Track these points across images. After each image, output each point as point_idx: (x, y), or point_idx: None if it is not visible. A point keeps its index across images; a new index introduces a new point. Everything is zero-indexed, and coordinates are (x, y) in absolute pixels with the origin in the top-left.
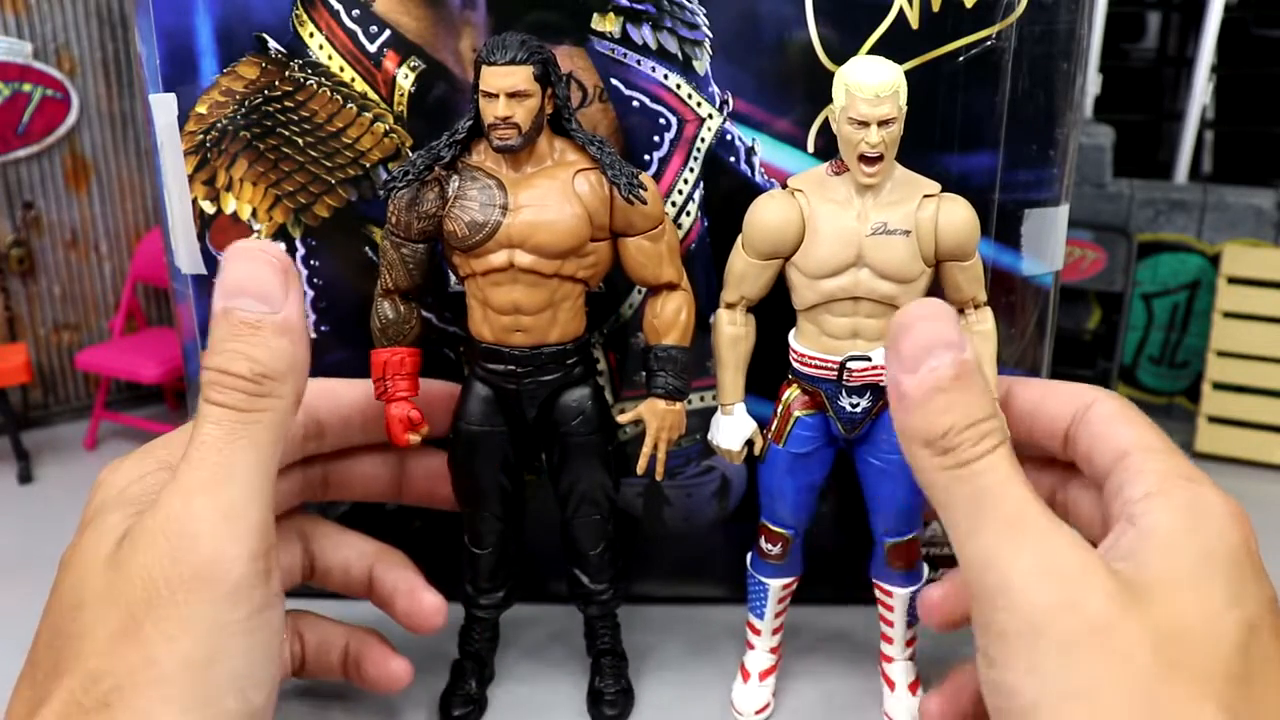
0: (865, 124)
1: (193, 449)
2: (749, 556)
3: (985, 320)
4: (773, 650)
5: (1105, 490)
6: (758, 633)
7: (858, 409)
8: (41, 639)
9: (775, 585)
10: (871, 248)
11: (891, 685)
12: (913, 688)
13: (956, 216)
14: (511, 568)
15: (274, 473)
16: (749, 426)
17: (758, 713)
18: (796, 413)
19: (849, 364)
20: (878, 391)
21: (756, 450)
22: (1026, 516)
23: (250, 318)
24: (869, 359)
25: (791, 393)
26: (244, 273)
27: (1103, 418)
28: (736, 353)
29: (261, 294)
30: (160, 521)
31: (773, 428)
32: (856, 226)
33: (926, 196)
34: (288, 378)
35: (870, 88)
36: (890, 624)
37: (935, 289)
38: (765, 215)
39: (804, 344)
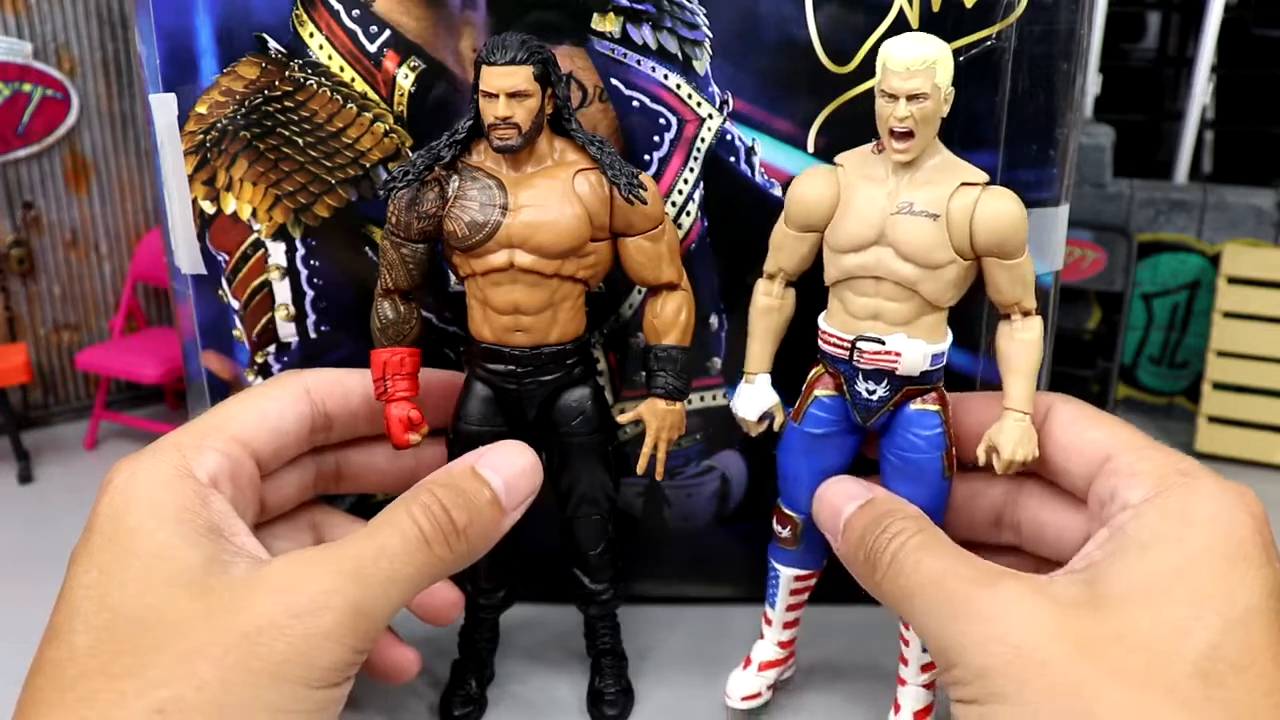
0: (895, 98)
1: (368, 541)
2: (770, 543)
3: (1030, 329)
4: (782, 645)
5: (1091, 496)
6: (769, 623)
7: (874, 396)
8: (78, 639)
9: (787, 574)
10: (894, 226)
11: (897, 709)
12: (919, 715)
13: (996, 209)
14: (511, 568)
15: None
16: (769, 399)
17: (744, 699)
18: (816, 392)
19: (859, 344)
20: (896, 381)
21: (776, 426)
22: (949, 584)
23: (491, 496)
24: (882, 342)
25: (816, 372)
26: (517, 465)
27: (1065, 424)
28: (767, 322)
29: (513, 490)
30: (291, 586)
31: (795, 407)
32: (884, 205)
33: (966, 185)
34: (473, 556)
35: (902, 61)
36: (906, 641)
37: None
38: (801, 187)
39: (828, 322)
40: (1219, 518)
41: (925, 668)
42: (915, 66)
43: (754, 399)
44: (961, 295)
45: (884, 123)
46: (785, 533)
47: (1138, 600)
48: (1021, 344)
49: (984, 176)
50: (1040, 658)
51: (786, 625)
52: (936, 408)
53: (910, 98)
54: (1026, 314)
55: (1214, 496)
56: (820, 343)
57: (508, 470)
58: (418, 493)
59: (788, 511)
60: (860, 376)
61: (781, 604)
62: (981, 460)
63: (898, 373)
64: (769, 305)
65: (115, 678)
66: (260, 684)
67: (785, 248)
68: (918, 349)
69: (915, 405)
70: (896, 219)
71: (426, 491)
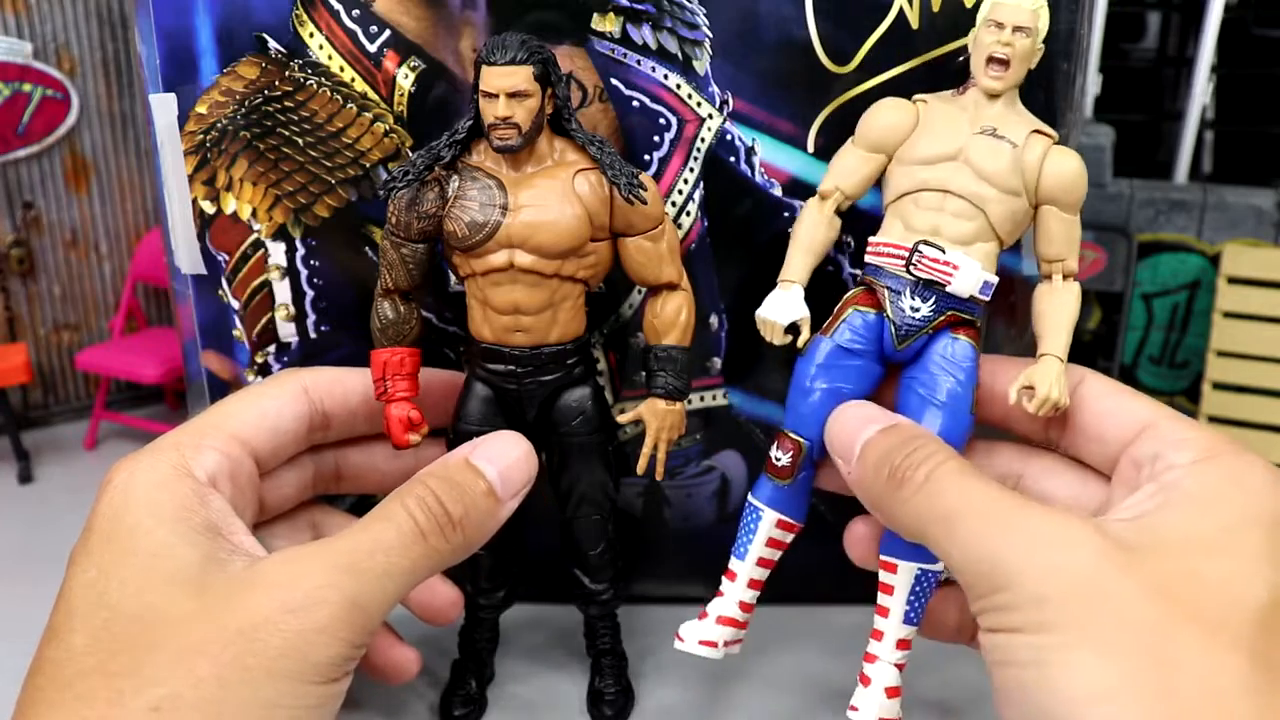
0: (1003, 26)
1: (364, 534)
2: (758, 479)
3: (1070, 290)
4: (743, 606)
5: (1126, 459)
6: (733, 577)
7: (917, 314)
8: (76, 639)
9: (770, 517)
10: (975, 146)
11: (866, 681)
12: (890, 693)
13: (1064, 162)
14: (511, 568)
15: (402, 596)
16: (800, 310)
17: (701, 644)
18: (855, 306)
19: (920, 247)
20: (942, 302)
21: (801, 342)
22: (999, 505)
23: (486, 487)
24: (942, 250)
25: (855, 291)
26: (510, 454)
27: (1100, 394)
28: (811, 236)
29: (508, 480)
30: (284, 582)
31: (826, 323)
32: (966, 128)
33: (1037, 132)
34: (469, 548)
35: (1015, 2)
36: (885, 612)
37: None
38: (881, 110)
39: (883, 236)
40: (1265, 489)
41: (900, 644)
42: (1027, 6)
43: (785, 303)
44: (1016, 237)
45: (983, 50)
46: (785, 459)
47: (1196, 549)
48: (1062, 301)
49: (1054, 134)
50: (1109, 590)
51: (752, 583)
52: (971, 341)
53: (1016, 29)
54: (1067, 277)
55: (1263, 470)
56: (870, 256)
57: (502, 460)
58: (412, 486)
59: (792, 434)
60: (908, 291)
61: (753, 555)
62: (1013, 399)
63: (949, 289)
64: (815, 221)
65: (112, 676)
66: (257, 680)
67: (848, 167)
68: (974, 269)
69: (952, 333)
70: (978, 139)
71: (421, 484)
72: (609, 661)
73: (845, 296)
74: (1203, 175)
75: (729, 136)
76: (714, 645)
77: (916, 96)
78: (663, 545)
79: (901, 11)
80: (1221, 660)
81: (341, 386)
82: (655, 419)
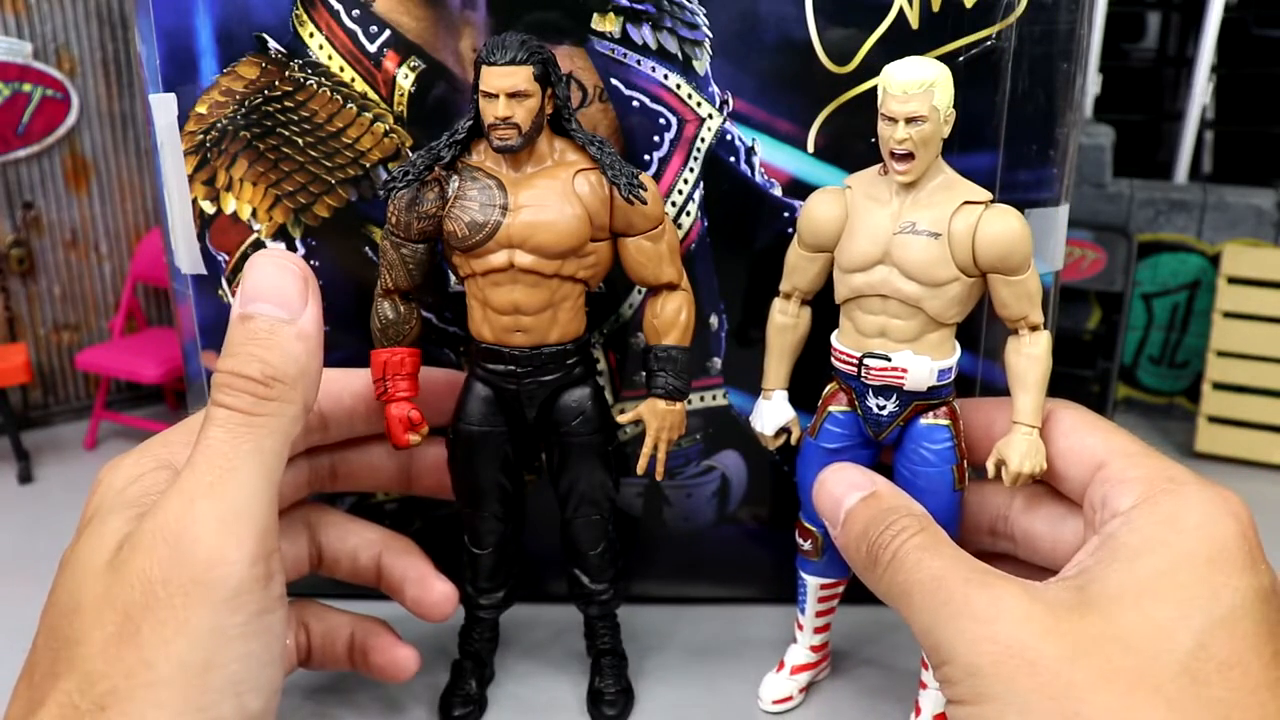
0: (895, 120)
1: (198, 452)
2: (797, 557)
3: (1037, 344)
4: (813, 649)
5: (1086, 503)
6: (800, 628)
7: (884, 411)
8: (39, 640)
9: (813, 583)
10: (897, 246)
11: (918, 711)
12: (939, 719)
13: (997, 227)
14: (511, 568)
15: (278, 477)
16: (786, 414)
17: (775, 702)
18: (831, 408)
19: (866, 360)
20: (905, 397)
21: (794, 441)
22: (942, 583)
23: (266, 323)
24: (888, 359)
25: (830, 388)
26: (265, 279)
27: (1065, 430)
28: (783, 341)
29: (281, 300)
30: (160, 524)
31: (811, 422)
32: (888, 225)
33: (968, 203)
34: (298, 383)
35: (899, 84)
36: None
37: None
38: (811, 208)
39: (839, 339)
40: (1204, 524)
41: None
42: (912, 89)
43: (771, 414)
44: (967, 312)
45: (885, 145)
46: (806, 545)
47: (1126, 603)
48: (1029, 358)
49: (987, 195)
50: (1030, 657)
51: (817, 630)
52: (946, 422)
53: (909, 120)
54: (1034, 329)
55: (1201, 503)
56: (832, 360)
57: (264, 290)
58: (215, 380)
59: (808, 525)
60: (870, 392)
61: (810, 610)
62: (991, 473)
63: (905, 388)
64: (785, 324)
65: (58, 677)
66: (178, 638)
67: (798, 268)
68: (924, 365)
69: (925, 420)
70: (900, 238)
71: (215, 374)
72: (609, 661)
73: (824, 394)
74: (1203, 175)
75: (729, 136)
76: (789, 700)
77: (846, 180)
78: (663, 545)
79: (901, 11)
80: (1140, 714)
81: (335, 386)
82: (655, 419)
